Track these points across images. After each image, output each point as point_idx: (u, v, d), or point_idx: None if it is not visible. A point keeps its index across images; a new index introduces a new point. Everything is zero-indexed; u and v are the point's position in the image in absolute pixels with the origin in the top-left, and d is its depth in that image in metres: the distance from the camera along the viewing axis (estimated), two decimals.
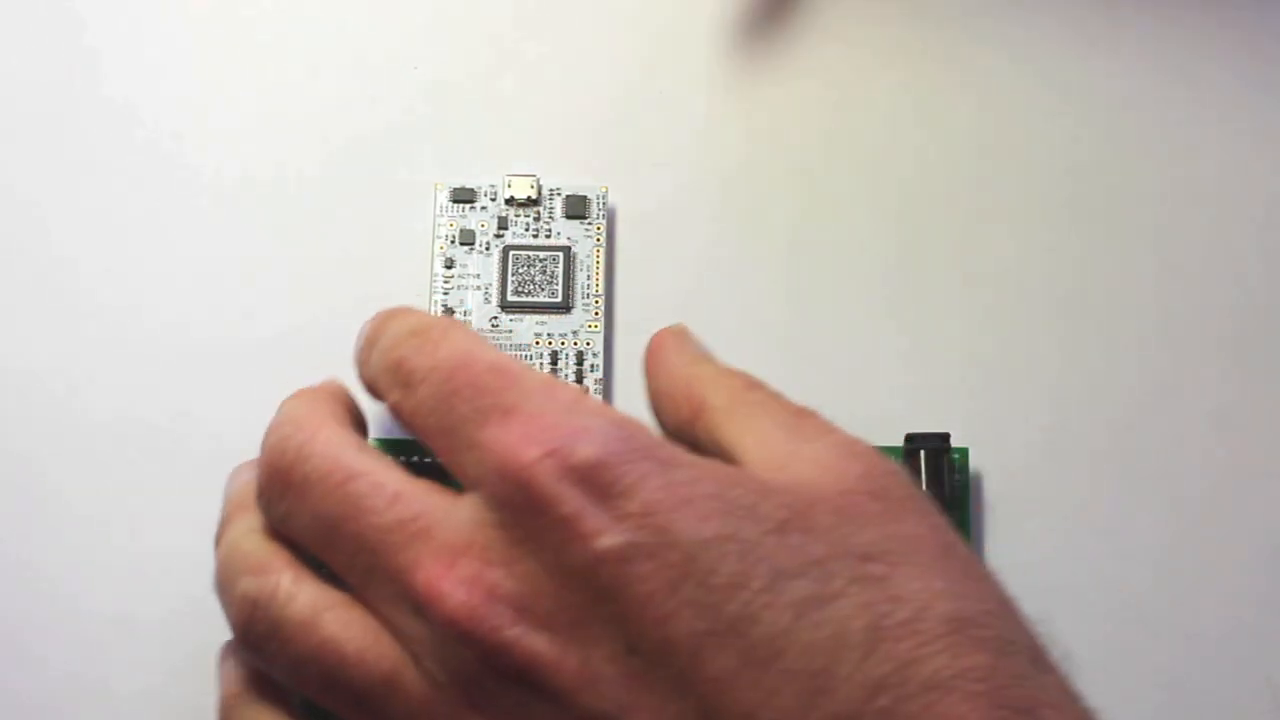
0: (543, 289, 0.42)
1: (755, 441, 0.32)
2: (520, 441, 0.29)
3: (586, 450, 0.29)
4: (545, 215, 0.42)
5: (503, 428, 0.30)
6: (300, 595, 0.31)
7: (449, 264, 0.42)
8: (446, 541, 0.29)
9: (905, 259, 0.43)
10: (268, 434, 0.33)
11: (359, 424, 0.35)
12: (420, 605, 0.29)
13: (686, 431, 0.34)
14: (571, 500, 0.28)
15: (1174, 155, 0.44)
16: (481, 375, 0.31)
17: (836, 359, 0.42)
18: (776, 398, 0.34)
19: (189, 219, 0.43)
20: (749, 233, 0.43)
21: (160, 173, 0.43)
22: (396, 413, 0.33)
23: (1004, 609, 0.29)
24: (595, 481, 0.28)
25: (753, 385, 0.34)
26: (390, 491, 0.31)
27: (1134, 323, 0.42)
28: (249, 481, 0.34)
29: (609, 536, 0.28)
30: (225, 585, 0.33)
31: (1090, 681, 0.39)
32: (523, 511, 0.29)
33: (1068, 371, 0.41)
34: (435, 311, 0.42)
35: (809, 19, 0.45)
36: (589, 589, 0.28)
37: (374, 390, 0.34)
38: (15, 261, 0.42)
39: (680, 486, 0.28)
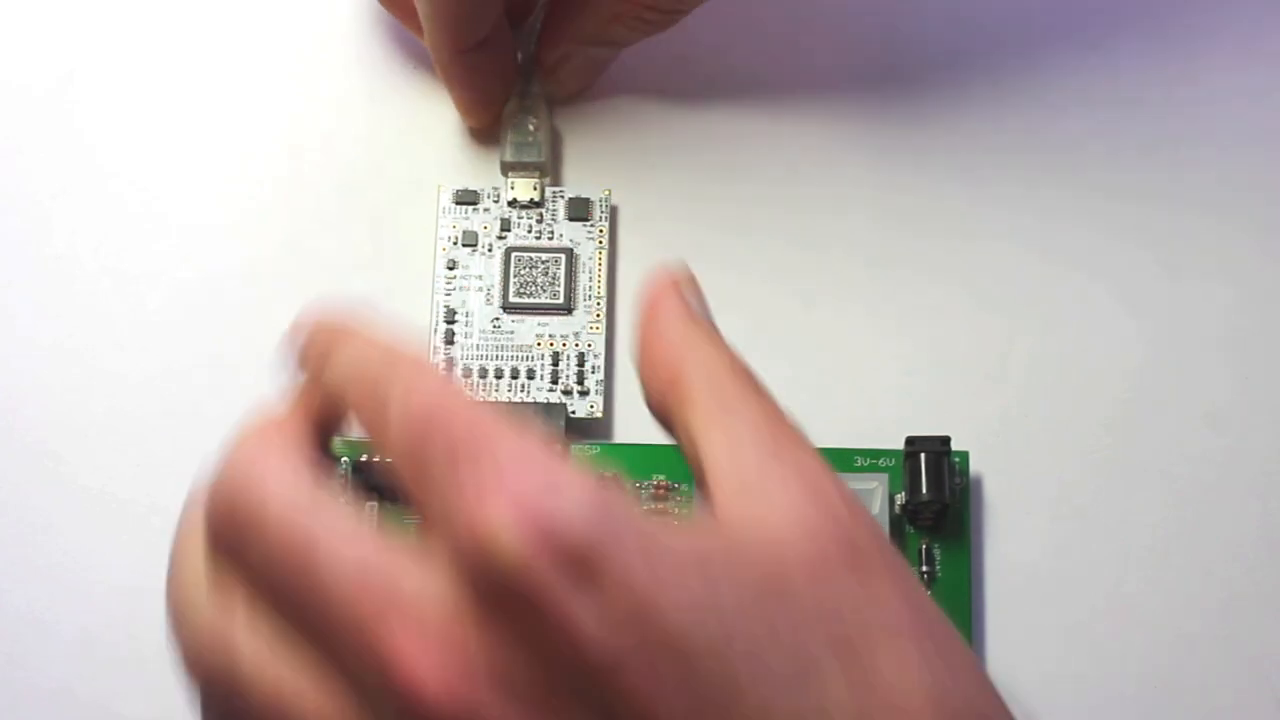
0: (544, 290, 0.42)
1: (725, 450, 0.30)
2: (494, 509, 0.27)
3: (564, 524, 0.26)
4: (548, 217, 0.42)
5: (474, 491, 0.27)
6: (263, 678, 0.28)
7: (451, 265, 0.42)
8: (421, 617, 0.27)
9: (906, 261, 0.43)
10: (216, 479, 0.30)
11: (320, 444, 0.32)
12: (398, 692, 0.27)
13: (657, 400, 0.32)
14: (552, 585, 0.26)
15: (1174, 155, 0.44)
16: (457, 428, 0.28)
17: (838, 362, 0.42)
18: (757, 393, 0.32)
19: (191, 220, 0.43)
20: (750, 235, 0.43)
21: (161, 174, 0.44)
22: (366, 431, 0.30)
23: (984, 696, 0.28)
24: (575, 560, 0.26)
25: (736, 371, 0.32)
26: (352, 559, 0.28)
27: (1132, 325, 0.42)
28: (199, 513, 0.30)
29: (598, 645, 0.26)
30: (175, 627, 0.30)
31: (1090, 682, 0.39)
32: (501, 590, 0.27)
33: (1067, 375, 0.42)
34: (437, 313, 0.42)
35: (809, 17, 0.45)
36: (574, 679, 0.27)
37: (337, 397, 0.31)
38: (17, 255, 0.43)
39: (662, 567, 0.27)
